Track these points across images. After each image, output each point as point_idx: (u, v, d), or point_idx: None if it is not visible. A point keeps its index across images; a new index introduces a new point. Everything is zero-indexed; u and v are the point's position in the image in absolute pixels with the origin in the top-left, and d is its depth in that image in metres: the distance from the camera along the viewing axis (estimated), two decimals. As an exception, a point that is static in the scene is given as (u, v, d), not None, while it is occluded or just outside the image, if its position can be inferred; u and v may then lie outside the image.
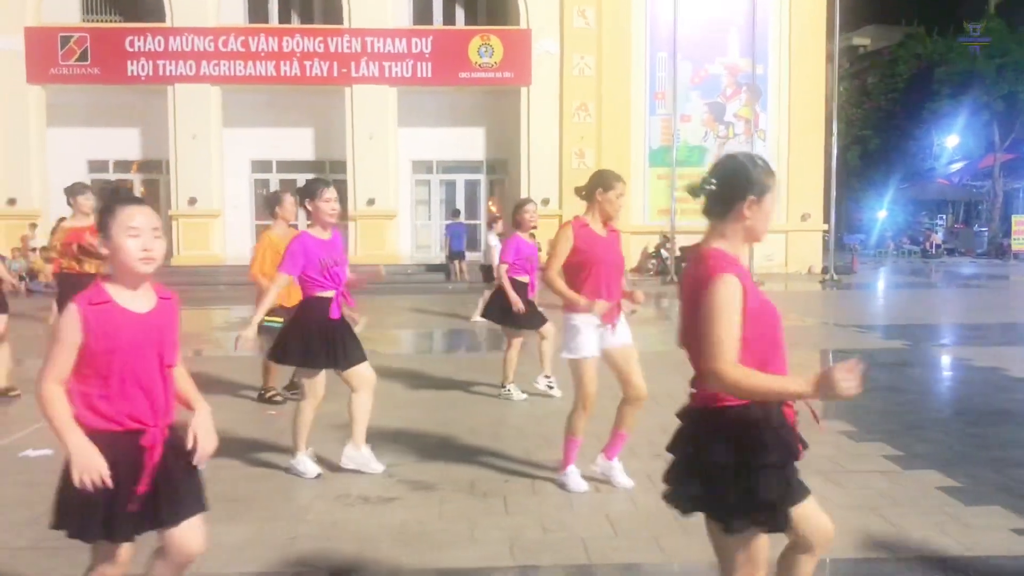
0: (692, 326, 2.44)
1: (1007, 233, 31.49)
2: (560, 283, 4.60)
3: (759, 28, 22.24)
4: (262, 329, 5.24)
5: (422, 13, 23.60)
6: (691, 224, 19.47)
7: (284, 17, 23.78)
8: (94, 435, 2.41)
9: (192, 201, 21.90)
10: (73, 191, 7.24)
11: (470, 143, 23.98)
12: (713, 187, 2.53)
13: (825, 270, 22.01)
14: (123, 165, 23.78)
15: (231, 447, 5.86)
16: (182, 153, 21.90)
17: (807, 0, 22.69)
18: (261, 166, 24.09)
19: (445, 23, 23.72)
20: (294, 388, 7.09)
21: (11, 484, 5.01)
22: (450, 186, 24.71)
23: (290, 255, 4.90)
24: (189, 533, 2.52)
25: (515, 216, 7.35)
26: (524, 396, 7.31)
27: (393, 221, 22.69)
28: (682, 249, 19.79)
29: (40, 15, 21.85)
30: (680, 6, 21.70)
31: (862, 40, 48.65)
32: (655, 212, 22.42)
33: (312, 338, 4.91)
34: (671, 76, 22.23)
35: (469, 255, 20.51)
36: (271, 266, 6.00)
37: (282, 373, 6.94)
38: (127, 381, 2.42)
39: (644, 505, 4.52)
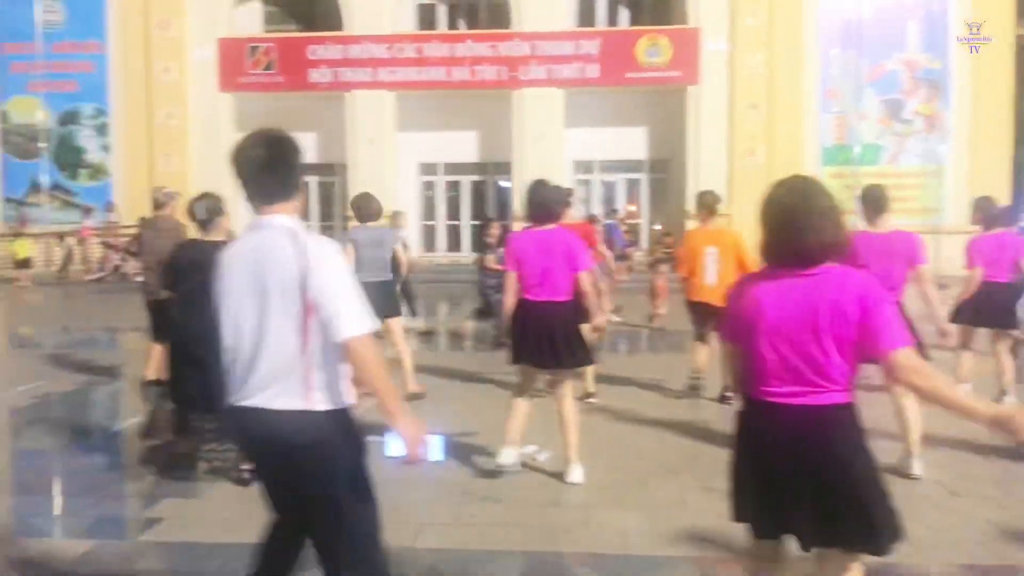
0: None
1: None
2: None
3: (939, 20, 21.49)
4: None
5: (586, 14, 23.81)
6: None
7: (452, 23, 24.47)
8: None
9: (368, 202, 22.76)
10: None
11: (631, 142, 24.01)
12: None
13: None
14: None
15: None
16: (359, 157, 22.82)
17: (990, -12, 21.78)
18: (428, 168, 24.82)
19: (609, 24, 23.90)
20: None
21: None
22: (609, 185, 24.86)
23: None
24: None
25: (995, 213, 7.09)
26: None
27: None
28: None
29: (232, 27, 23.21)
30: (856, 1, 21.24)
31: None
32: (828, 212, 21.92)
33: None
34: (843, 73, 21.78)
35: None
36: None
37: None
38: None
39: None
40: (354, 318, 2.56)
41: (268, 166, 2.69)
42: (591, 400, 7.31)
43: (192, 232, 6.01)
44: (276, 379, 2.59)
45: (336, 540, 2.71)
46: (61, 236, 22.39)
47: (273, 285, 2.59)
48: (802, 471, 2.52)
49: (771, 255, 2.62)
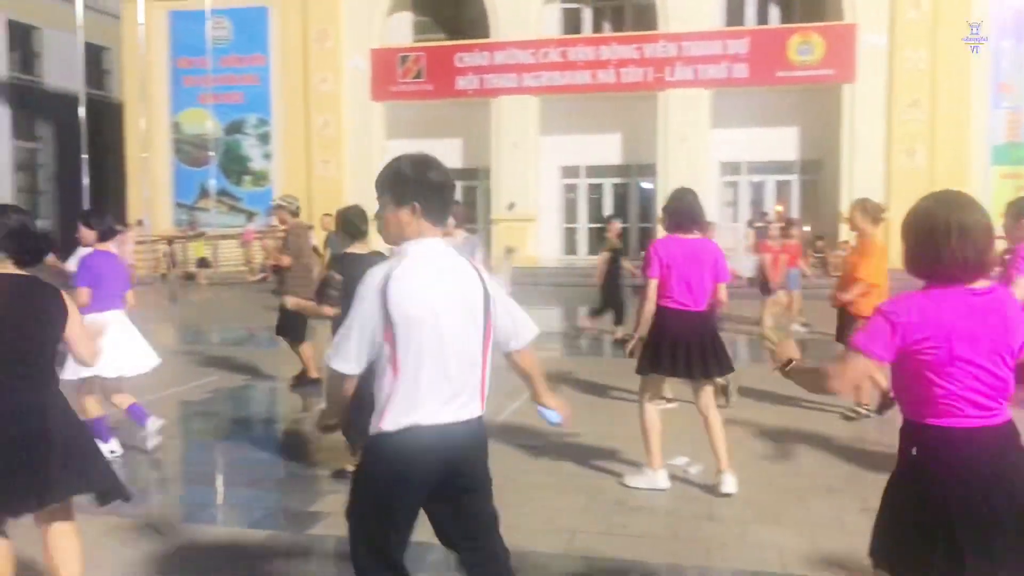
0: None
1: None
2: None
3: None
4: None
5: (734, 13, 23.28)
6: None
7: (597, 26, 24.48)
8: None
9: (511, 206, 23.09)
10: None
11: (781, 143, 23.28)
12: None
13: None
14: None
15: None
16: (502, 161, 23.18)
17: None
18: (570, 171, 24.91)
19: (758, 22, 23.29)
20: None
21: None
22: (758, 187, 24.17)
23: None
24: None
25: None
26: None
27: (702, 224, 22.58)
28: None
29: (384, 38, 24.09)
30: (1031, -12, 19.84)
31: None
32: (998, 215, 20.51)
33: None
34: (1016, 66, 20.40)
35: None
36: None
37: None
38: None
39: None
40: (530, 325, 2.98)
41: (451, 190, 2.87)
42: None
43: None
44: (463, 391, 2.75)
45: (499, 539, 2.94)
46: (170, 240, 23.48)
47: (467, 302, 2.74)
48: (1015, 499, 2.37)
49: (926, 270, 2.47)
